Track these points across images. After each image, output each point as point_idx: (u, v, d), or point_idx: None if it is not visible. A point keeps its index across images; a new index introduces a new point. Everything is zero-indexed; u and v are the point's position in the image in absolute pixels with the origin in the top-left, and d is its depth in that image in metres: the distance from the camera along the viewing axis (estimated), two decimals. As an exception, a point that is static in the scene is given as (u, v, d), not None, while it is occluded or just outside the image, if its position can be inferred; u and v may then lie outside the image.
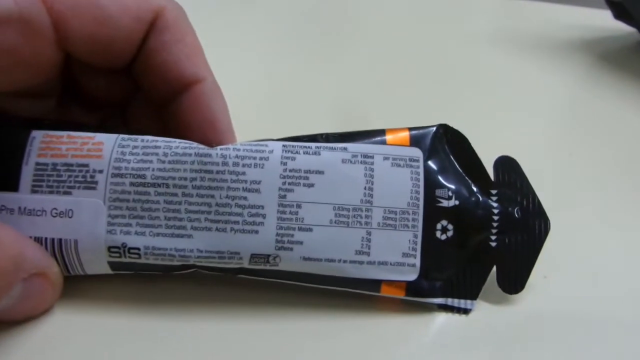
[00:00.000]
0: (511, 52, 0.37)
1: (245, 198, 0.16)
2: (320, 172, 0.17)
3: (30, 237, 0.16)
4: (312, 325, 0.17)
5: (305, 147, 0.17)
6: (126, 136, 0.17)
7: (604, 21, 0.41)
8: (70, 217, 0.16)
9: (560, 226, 0.18)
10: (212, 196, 0.16)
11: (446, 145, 0.18)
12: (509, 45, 0.38)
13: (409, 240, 0.17)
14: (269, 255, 0.16)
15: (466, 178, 0.18)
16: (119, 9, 0.17)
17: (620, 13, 0.39)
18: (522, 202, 0.18)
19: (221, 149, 0.17)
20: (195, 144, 0.17)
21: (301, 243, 0.16)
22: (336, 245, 0.17)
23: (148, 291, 0.18)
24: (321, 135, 0.18)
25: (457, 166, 0.18)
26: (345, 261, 0.17)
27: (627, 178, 0.25)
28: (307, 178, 0.17)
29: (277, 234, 0.16)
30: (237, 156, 0.17)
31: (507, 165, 0.18)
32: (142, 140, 0.17)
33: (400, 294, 0.17)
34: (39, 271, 0.16)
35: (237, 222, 0.16)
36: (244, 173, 0.17)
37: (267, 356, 0.16)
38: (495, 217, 0.18)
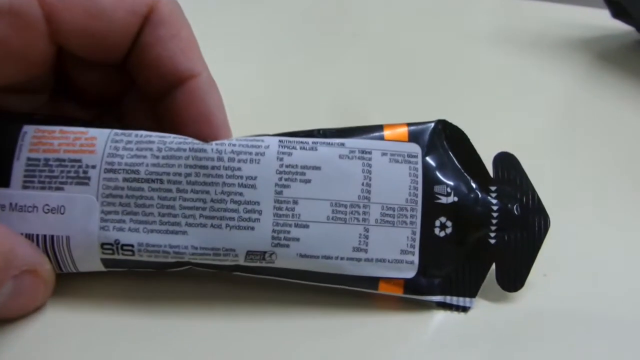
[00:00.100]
0: (510, 51, 0.37)
1: (240, 194, 0.16)
2: (317, 168, 0.16)
3: (22, 234, 0.16)
4: (308, 324, 0.17)
5: (301, 142, 0.17)
6: (119, 131, 0.17)
7: (603, 20, 0.41)
8: (62, 214, 0.16)
9: (560, 224, 0.18)
10: (207, 192, 0.16)
11: (445, 141, 0.18)
12: (508, 44, 0.38)
13: (407, 237, 0.17)
14: (265, 252, 0.16)
15: (465, 174, 0.18)
16: (112, 2, 0.17)
17: (618, 12, 0.39)
18: (521, 198, 0.18)
19: (216, 144, 0.16)
20: (190, 139, 0.17)
21: (298, 240, 0.16)
22: (333, 242, 0.16)
23: (141, 289, 0.17)
24: (318, 130, 0.17)
25: (456, 162, 0.18)
26: (342, 258, 0.16)
27: (627, 176, 0.25)
28: (303, 174, 0.16)
29: (273, 231, 0.16)
30: (232, 151, 0.16)
31: (506, 162, 0.18)
32: (136, 135, 0.17)
33: (398, 292, 0.17)
34: (30, 268, 0.16)
35: (232, 219, 0.16)
36: (239, 169, 0.16)
37: (263, 355, 0.16)
38: (495, 214, 0.17)
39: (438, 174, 0.17)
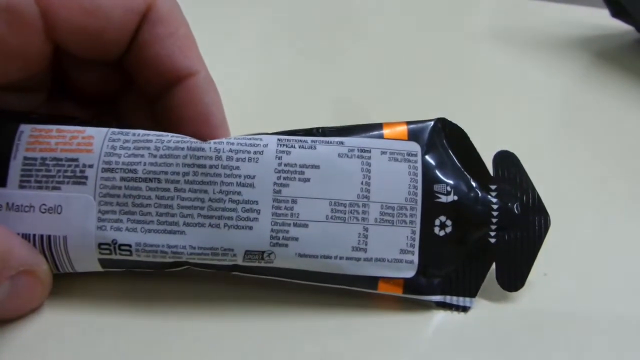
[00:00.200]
0: (510, 50, 0.37)
1: (239, 193, 0.16)
2: (316, 167, 0.16)
3: (18, 234, 0.16)
4: (307, 324, 0.17)
5: (300, 141, 0.17)
6: (117, 130, 0.16)
7: (602, 19, 0.41)
8: (59, 213, 0.16)
9: (560, 223, 0.18)
10: (205, 191, 0.16)
11: (445, 139, 0.18)
12: (508, 44, 0.38)
13: (407, 237, 0.17)
14: (263, 252, 0.16)
15: (465, 173, 0.18)
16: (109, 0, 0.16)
17: (617, 11, 0.39)
18: (521, 197, 0.18)
19: (214, 142, 0.16)
20: (188, 138, 0.16)
21: (296, 239, 0.16)
22: (332, 242, 0.16)
23: (139, 289, 0.17)
24: (317, 129, 0.17)
25: (456, 161, 0.18)
26: (341, 258, 0.16)
27: (627, 175, 0.25)
28: (302, 173, 0.16)
29: (272, 230, 0.16)
30: (230, 150, 0.16)
31: (506, 160, 0.18)
32: (134, 134, 0.16)
33: (397, 292, 0.17)
34: (26, 269, 0.16)
35: (230, 218, 0.16)
36: (237, 167, 0.16)
37: (262, 355, 0.16)
38: (495, 213, 0.17)
39: (438, 173, 0.17)
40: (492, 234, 0.17)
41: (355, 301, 0.17)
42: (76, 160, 0.16)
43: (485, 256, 0.17)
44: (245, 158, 0.16)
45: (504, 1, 0.47)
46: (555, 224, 0.18)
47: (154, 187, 0.16)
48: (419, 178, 0.17)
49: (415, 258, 0.17)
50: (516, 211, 0.18)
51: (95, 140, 0.16)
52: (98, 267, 0.16)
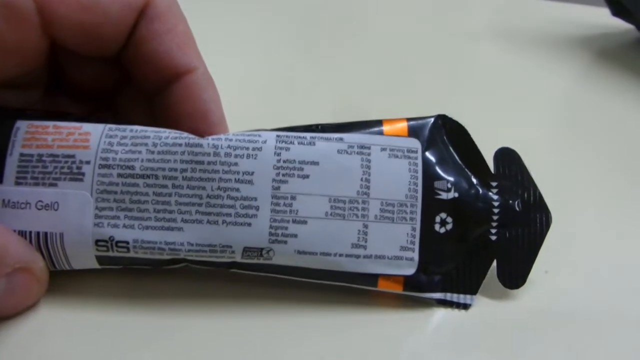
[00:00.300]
0: (511, 49, 0.37)
1: (237, 190, 0.16)
2: (315, 163, 0.16)
3: (14, 231, 0.16)
4: (306, 322, 0.16)
5: (299, 137, 0.16)
6: (114, 126, 0.16)
7: (603, 18, 0.41)
8: (55, 210, 0.16)
9: (561, 221, 0.18)
10: (204, 188, 0.16)
11: (445, 136, 0.17)
12: (509, 42, 0.38)
13: (407, 234, 0.16)
14: (262, 249, 0.16)
15: (466, 170, 0.17)
16: None
17: (618, 10, 0.39)
18: (522, 194, 0.18)
19: (213, 139, 0.16)
20: (185, 134, 0.16)
21: (295, 236, 0.16)
22: (332, 239, 0.16)
23: (137, 287, 0.17)
24: (316, 125, 0.17)
25: (457, 157, 0.17)
26: (341, 255, 0.16)
27: (628, 173, 0.25)
28: (301, 169, 0.16)
29: (271, 227, 0.16)
30: (229, 146, 0.16)
31: (507, 157, 0.18)
32: (131, 131, 0.16)
33: (398, 289, 0.17)
34: (23, 266, 0.15)
35: (229, 215, 0.16)
36: (236, 164, 0.16)
37: (261, 353, 0.16)
38: (496, 210, 0.17)
39: (438, 170, 0.17)
40: (493, 231, 0.17)
41: (355, 299, 0.17)
42: (73, 156, 0.16)
43: (486, 253, 0.17)
44: (243, 154, 0.16)
45: (505, 0, 0.47)
46: (556, 222, 0.18)
47: (152, 183, 0.16)
48: (419, 175, 0.17)
49: (415, 255, 0.17)
50: (517, 208, 0.17)
51: (92, 137, 0.16)
52: (95, 264, 0.16)
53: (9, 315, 0.16)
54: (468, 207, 0.17)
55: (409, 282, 0.17)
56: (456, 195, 0.17)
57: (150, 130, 0.16)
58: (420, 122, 0.17)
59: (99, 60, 0.18)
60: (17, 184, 0.16)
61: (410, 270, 0.17)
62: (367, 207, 0.16)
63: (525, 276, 0.17)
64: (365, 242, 0.16)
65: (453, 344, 0.16)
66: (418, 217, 0.17)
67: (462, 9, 0.45)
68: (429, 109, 0.19)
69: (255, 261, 0.16)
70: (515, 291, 0.18)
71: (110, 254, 0.16)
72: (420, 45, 0.37)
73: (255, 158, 0.16)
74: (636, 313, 0.17)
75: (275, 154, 0.16)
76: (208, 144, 0.16)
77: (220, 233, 0.16)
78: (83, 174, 0.16)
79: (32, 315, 0.16)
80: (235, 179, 0.16)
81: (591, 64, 0.36)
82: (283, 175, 0.16)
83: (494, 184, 0.18)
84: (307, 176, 0.16)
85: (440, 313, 0.17)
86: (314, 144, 0.16)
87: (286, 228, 0.16)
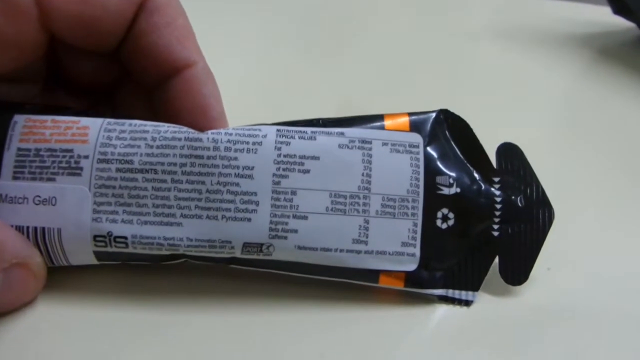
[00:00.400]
0: (512, 48, 0.37)
1: (237, 184, 0.16)
2: (316, 158, 0.16)
3: (12, 226, 0.15)
4: (306, 318, 0.16)
5: (300, 131, 0.16)
6: (113, 120, 0.16)
7: (604, 16, 0.41)
8: (53, 205, 0.16)
9: (564, 218, 0.18)
10: (203, 182, 0.16)
11: (447, 130, 0.17)
12: (510, 41, 0.38)
13: (409, 229, 0.16)
14: (262, 244, 0.16)
15: (468, 165, 0.17)
16: None
17: (619, 8, 0.38)
18: (525, 190, 0.17)
19: (212, 133, 0.16)
20: (185, 129, 0.16)
21: (296, 231, 0.16)
22: (332, 234, 0.16)
23: (135, 283, 0.17)
24: (317, 120, 0.17)
25: (459, 152, 0.17)
26: (342, 250, 0.16)
27: (629, 171, 0.25)
28: (302, 164, 0.16)
29: (271, 222, 0.16)
30: (229, 141, 0.16)
31: (510, 152, 0.18)
32: (130, 125, 0.16)
33: (399, 285, 0.17)
34: (19, 261, 0.15)
35: (228, 210, 0.16)
36: (236, 158, 0.16)
37: (260, 349, 0.15)
38: (498, 206, 0.17)
39: (440, 165, 0.17)
40: (495, 227, 0.17)
41: (355, 295, 0.17)
42: (71, 151, 0.16)
43: (488, 249, 0.17)
44: (243, 149, 0.16)
45: (505, -1, 0.47)
46: (558, 220, 0.17)
47: (151, 178, 0.16)
48: (421, 170, 0.17)
49: (417, 251, 0.16)
50: (520, 204, 0.17)
51: (90, 131, 0.16)
52: (93, 260, 0.16)
53: (6, 311, 0.16)
54: (470, 203, 0.17)
55: (410, 278, 0.16)
56: (458, 190, 0.17)
57: (149, 125, 0.16)
58: (422, 116, 0.17)
59: (98, 55, 0.18)
60: (15, 178, 0.16)
61: (411, 266, 0.16)
62: (368, 203, 0.16)
63: (528, 273, 0.17)
64: (366, 237, 0.16)
65: (454, 340, 0.16)
66: (420, 212, 0.16)
67: (462, 8, 0.45)
68: (430, 108, 0.19)
69: (255, 257, 0.16)
70: (517, 288, 0.17)
71: (109, 249, 0.16)
72: (420, 44, 0.37)
73: (255, 152, 0.16)
74: (638, 311, 0.17)
75: (275, 148, 0.16)
76: (208, 138, 0.16)
77: (219, 228, 0.16)
78: (81, 169, 0.16)
79: (30, 312, 0.16)
80: (235, 174, 0.16)
81: (592, 62, 0.36)
82: (283, 170, 0.16)
83: (496, 179, 0.17)
84: (307, 171, 0.16)
85: (442, 309, 0.17)
86: (315, 138, 0.16)
87: (286, 223, 0.16)
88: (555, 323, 0.17)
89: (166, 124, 0.16)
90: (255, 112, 0.23)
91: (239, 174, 0.16)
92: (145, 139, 0.16)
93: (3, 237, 0.15)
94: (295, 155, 0.16)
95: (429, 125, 0.17)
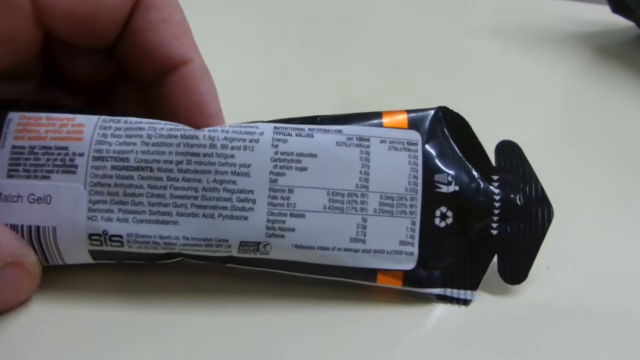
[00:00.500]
0: (511, 47, 0.37)
1: (234, 182, 0.16)
2: (314, 155, 0.16)
3: (6, 225, 0.15)
4: (304, 318, 0.16)
5: (297, 129, 0.16)
6: (108, 117, 0.16)
7: (603, 15, 0.41)
8: (48, 203, 0.15)
9: (563, 216, 0.18)
10: (199, 180, 0.16)
11: (446, 128, 0.17)
12: (509, 40, 0.38)
13: (407, 228, 0.16)
14: (259, 243, 0.16)
15: (466, 163, 0.17)
16: None
17: (618, 7, 0.38)
18: (524, 188, 0.17)
19: (209, 130, 0.16)
20: (181, 126, 0.16)
21: (293, 230, 0.16)
22: (330, 232, 0.16)
23: (131, 282, 0.17)
24: (315, 117, 0.17)
25: (457, 150, 0.17)
26: (339, 249, 0.16)
27: (628, 170, 0.25)
28: (299, 161, 0.16)
29: (268, 221, 0.16)
30: (225, 138, 0.16)
31: (509, 150, 0.18)
32: (125, 122, 0.16)
33: (397, 284, 0.16)
34: (14, 260, 0.15)
35: (225, 208, 0.15)
36: (232, 156, 0.16)
37: (257, 349, 0.15)
38: (497, 204, 0.17)
39: (438, 163, 0.17)
40: (494, 225, 0.17)
41: (353, 294, 0.17)
42: (66, 148, 0.16)
43: (487, 248, 0.17)
44: (240, 146, 0.16)
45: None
46: (557, 219, 0.17)
47: (146, 176, 0.16)
48: (420, 168, 0.16)
49: (415, 250, 0.16)
50: (519, 202, 0.17)
51: (85, 128, 0.16)
52: (89, 259, 0.16)
53: (0, 311, 0.15)
54: (469, 201, 0.17)
55: (408, 277, 0.16)
56: (457, 188, 0.17)
57: (145, 122, 0.16)
58: (420, 114, 0.17)
59: (94, 52, 0.18)
60: (9, 176, 0.16)
61: (409, 265, 0.16)
62: (366, 201, 0.16)
63: (527, 271, 0.17)
64: (364, 236, 0.16)
65: (453, 340, 0.16)
66: (418, 210, 0.16)
67: (462, 7, 0.45)
68: (430, 106, 0.18)
69: (251, 255, 0.16)
70: (516, 287, 0.17)
71: (104, 248, 0.16)
72: (420, 44, 0.37)
73: (252, 150, 0.16)
74: (637, 309, 0.17)
75: (272, 145, 0.16)
76: (204, 135, 0.16)
77: (216, 227, 0.15)
78: (76, 166, 0.15)
79: (24, 311, 0.16)
80: (231, 172, 0.16)
81: (591, 61, 0.36)
82: (280, 167, 0.16)
83: (495, 177, 0.17)
84: (305, 169, 0.16)
85: (440, 309, 0.17)
86: (312, 135, 0.16)
87: (283, 222, 0.16)
88: (554, 322, 0.17)
89: (162, 121, 0.16)
90: (252, 110, 0.23)
91: (235, 171, 0.16)
92: (141, 136, 0.16)
93: (-3, 236, 0.15)
94: (292, 152, 0.16)
95: (427, 123, 0.17)
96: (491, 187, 0.17)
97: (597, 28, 0.40)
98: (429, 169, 0.16)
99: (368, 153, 0.16)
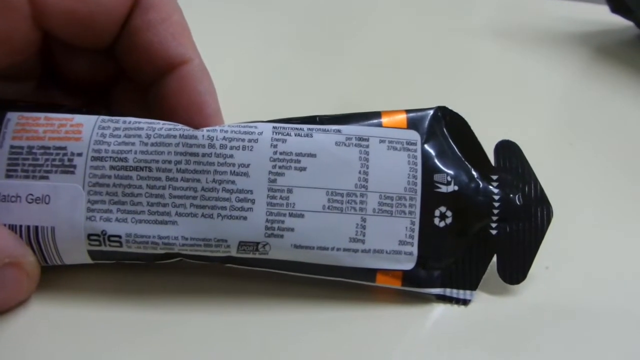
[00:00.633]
0: (510, 46, 0.37)
1: (233, 182, 0.16)
2: (313, 155, 0.16)
3: (4, 225, 0.15)
4: (303, 317, 0.16)
5: (296, 129, 0.16)
6: (107, 117, 0.16)
7: (602, 15, 0.41)
8: (47, 203, 0.15)
9: (562, 216, 0.18)
10: (198, 180, 0.16)
11: (445, 128, 0.17)
12: (508, 40, 0.38)
13: (406, 227, 0.16)
14: (258, 243, 0.16)
15: (466, 163, 0.17)
16: None
17: (617, 7, 0.38)
18: (523, 188, 0.17)
19: (208, 130, 0.16)
20: (180, 126, 0.16)
21: (292, 230, 0.16)
22: (329, 232, 0.16)
23: (130, 282, 0.17)
24: (314, 117, 0.17)
25: (457, 150, 0.17)
26: (338, 249, 0.16)
27: (627, 169, 0.25)
28: (298, 161, 0.16)
29: (267, 220, 0.16)
30: (224, 138, 0.16)
31: (508, 150, 0.18)
32: (124, 122, 0.16)
33: (396, 284, 0.16)
34: (12, 260, 0.15)
35: (224, 208, 0.15)
36: (231, 156, 0.16)
37: (255, 349, 0.15)
38: (496, 204, 0.17)
39: (438, 162, 0.17)
40: (494, 225, 0.17)
41: (352, 294, 0.17)
42: (64, 148, 0.16)
43: (486, 248, 0.17)
44: (239, 146, 0.16)
45: (503, -3, 0.47)
46: (557, 218, 0.17)
47: (145, 176, 0.15)
48: (419, 167, 0.16)
49: (414, 249, 0.16)
50: (518, 202, 0.17)
51: (84, 128, 0.16)
52: (87, 259, 0.16)
53: (-1, 311, 0.15)
54: (468, 201, 0.17)
55: (407, 277, 0.16)
56: (456, 188, 0.17)
57: (143, 122, 0.16)
58: (419, 113, 0.17)
59: (93, 52, 0.18)
60: (8, 176, 0.15)
61: (409, 265, 0.16)
62: (366, 201, 0.16)
63: (526, 271, 0.17)
64: (364, 236, 0.16)
65: (452, 340, 0.16)
66: (417, 210, 0.16)
67: (462, 7, 0.45)
68: (429, 106, 0.18)
69: (250, 255, 0.16)
70: (515, 287, 0.17)
71: (103, 248, 0.16)
72: (419, 44, 0.37)
73: (251, 150, 0.16)
74: (637, 309, 0.17)
75: (271, 145, 0.16)
76: (203, 135, 0.16)
77: (215, 227, 0.15)
78: (75, 167, 0.15)
79: (23, 311, 0.16)
80: (230, 172, 0.16)
81: (590, 61, 0.36)
82: (279, 167, 0.16)
83: (494, 177, 0.17)
84: (304, 168, 0.16)
85: (439, 309, 0.17)
86: (311, 135, 0.16)
87: (283, 222, 0.16)
88: (554, 322, 0.17)
89: (161, 121, 0.16)
90: (251, 110, 0.23)
91: (234, 171, 0.16)
92: (139, 136, 0.16)
93: (-5, 236, 0.15)
94: (291, 152, 0.16)
95: (426, 123, 0.17)
96: (490, 187, 0.17)
97: (596, 28, 0.40)
98: (428, 169, 0.16)
99: (367, 153, 0.16)
